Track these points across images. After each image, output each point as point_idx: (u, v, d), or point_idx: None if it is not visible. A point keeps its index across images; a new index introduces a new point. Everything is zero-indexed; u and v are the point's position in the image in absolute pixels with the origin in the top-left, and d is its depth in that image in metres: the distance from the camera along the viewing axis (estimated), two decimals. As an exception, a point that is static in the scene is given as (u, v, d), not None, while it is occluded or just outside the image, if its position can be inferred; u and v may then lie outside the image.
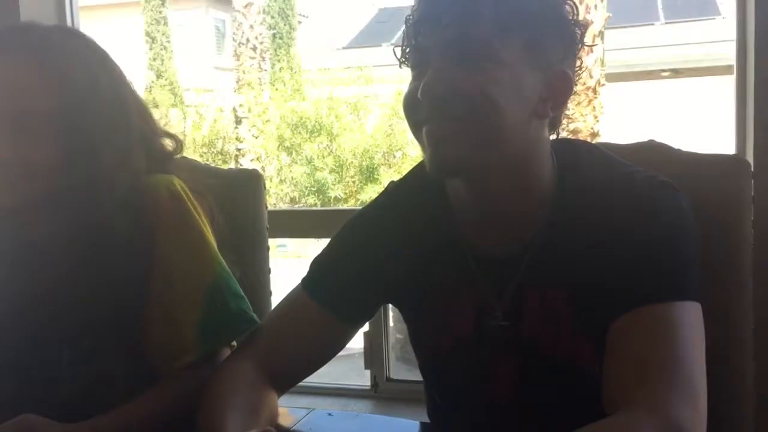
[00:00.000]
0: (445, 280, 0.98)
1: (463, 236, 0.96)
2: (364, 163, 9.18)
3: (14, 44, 0.99)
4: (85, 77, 1.01)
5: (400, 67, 0.93)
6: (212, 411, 0.90)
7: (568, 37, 0.91)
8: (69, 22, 1.96)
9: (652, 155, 1.12)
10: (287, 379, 1.02)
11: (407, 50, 0.92)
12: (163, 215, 1.03)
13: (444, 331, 0.99)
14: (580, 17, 0.93)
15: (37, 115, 0.97)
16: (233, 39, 10.14)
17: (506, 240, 0.95)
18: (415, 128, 0.91)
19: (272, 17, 11.21)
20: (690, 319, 0.84)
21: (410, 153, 9.14)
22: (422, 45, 0.89)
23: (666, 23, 10.11)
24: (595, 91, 7.19)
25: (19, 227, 1.02)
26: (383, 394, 2.50)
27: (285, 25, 11.44)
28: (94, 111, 1.01)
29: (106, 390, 0.99)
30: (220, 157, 10.02)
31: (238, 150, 9.78)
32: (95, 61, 1.05)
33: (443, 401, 1.07)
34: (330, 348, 1.04)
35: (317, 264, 1.04)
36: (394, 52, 0.93)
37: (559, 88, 0.91)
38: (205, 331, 1.03)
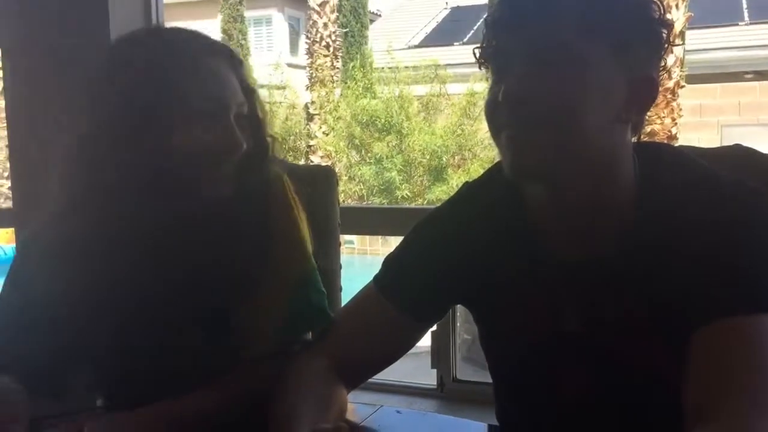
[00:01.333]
0: (520, 283, 0.97)
1: (540, 240, 0.94)
2: (432, 163, 9.16)
3: (213, 48, 1.05)
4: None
5: (479, 68, 0.92)
6: (285, 402, 0.92)
7: (655, 38, 0.88)
8: (154, 18, 2.02)
9: (739, 160, 1.08)
10: (357, 375, 1.03)
11: (488, 51, 0.90)
12: (274, 208, 1.09)
13: (518, 335, 0.98)
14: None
15: (244, 108, 1.05)
16: (307, 37, 10.28)
17: (584, 245, 0.92)
18: (495, 131, 0.90)
19: (344, 16, 11.32)
20: None
21: (480, 154, 9.07)
22: (503, 46, 0.88)
23: (751, 23, 9.72)
24: (674, 92, 6.99)
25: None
26: (449, 394, 2.50)
27: (357, 23, 11.53)
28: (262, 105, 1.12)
29: (197, 371, 1.02)
30: (290, 153, 10.18)
31: (309, 147, 9.92)
32: None
33: (513, 405, 1.06)
34: (400, 347, 1.04)
35: (390, 262, 1.04)
36: (474, 54, 0.91)
37: (643, 92, 0.88)
38: (286, 322, 1.06)
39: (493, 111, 0.89)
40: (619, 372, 0.92)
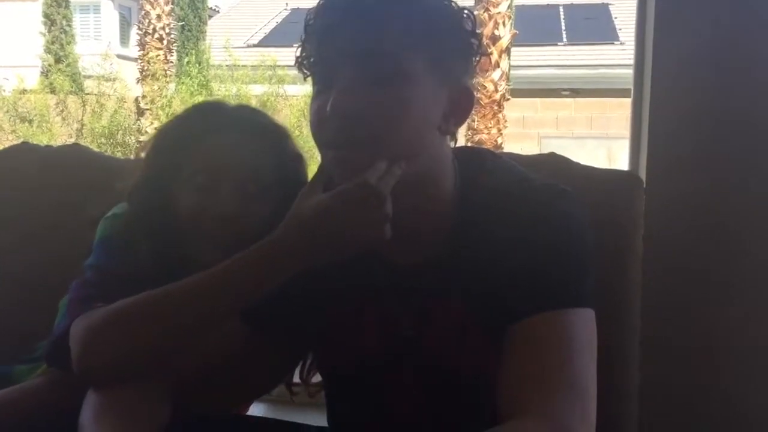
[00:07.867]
0: (349, 290, 0.97)
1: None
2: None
3: (246, 125, 1.13)
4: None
5: (304, 79, 0.90)
6: None
7: (470, 51, 0.91)
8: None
9: (552, 167, 1.16)
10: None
11: (308, 60, 0.89)
12: None
13: (349, 342, 0.98)
14: (489, 32, 0.94)
15: (264, 184, 1.10)
16: (139, 28, 9.80)
17: (410, 249, 0.94)
18: (323, 146, 0.89)
19: (182, 8, 10.91)
20: (583, 326, 0.86)
21: (317, 156, 9.06)
22: (327, 57, 0.87)
23: (568, 44, 10.50)
24: (499, 104, 7.41)
25: None
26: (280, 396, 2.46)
27: (195, 17, 11.15)
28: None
29: None
30: (119, 148, 9.64)
31: (139, 143, 9.44)
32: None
33: (345, 411, 1.06)
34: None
35: None
36: (296, 60, 0.90)
37: (462, 104, 0.90)
38: None
39: (321, 124, 0.87)
40: (448, 374, 0.94)
